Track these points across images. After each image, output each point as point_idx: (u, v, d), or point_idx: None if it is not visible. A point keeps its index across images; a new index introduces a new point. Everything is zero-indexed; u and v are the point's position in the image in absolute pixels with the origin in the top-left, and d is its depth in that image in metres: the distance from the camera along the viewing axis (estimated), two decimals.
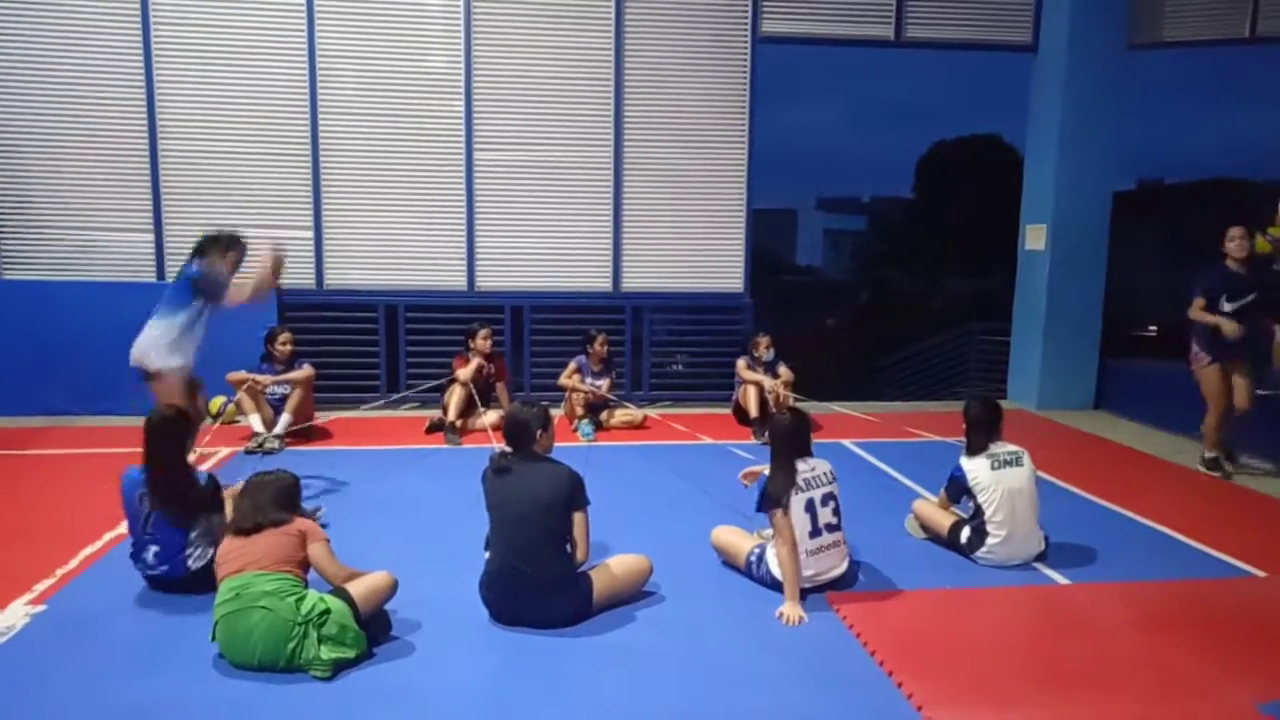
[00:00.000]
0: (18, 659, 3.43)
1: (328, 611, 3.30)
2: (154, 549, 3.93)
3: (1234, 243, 6.20)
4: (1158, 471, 6.72)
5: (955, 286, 26.09)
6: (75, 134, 8.03)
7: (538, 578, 3.70)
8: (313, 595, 3.36)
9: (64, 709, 3.08)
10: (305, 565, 3.48)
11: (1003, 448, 4.56)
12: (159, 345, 5.13)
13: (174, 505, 3.93)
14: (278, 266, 5.47)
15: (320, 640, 3.26)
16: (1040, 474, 4.67)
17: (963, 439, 4.68)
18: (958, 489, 4.60)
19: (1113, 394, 8.98)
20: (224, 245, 5.33)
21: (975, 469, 4.51)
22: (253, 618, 3.24)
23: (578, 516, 3.79)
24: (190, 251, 5.34)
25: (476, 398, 7.36)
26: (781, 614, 3.86)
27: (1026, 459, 4.58)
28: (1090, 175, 8.80)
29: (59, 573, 4.25)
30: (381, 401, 8.20)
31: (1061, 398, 8.89)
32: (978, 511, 4.51)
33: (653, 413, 8.34)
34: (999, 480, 4.46)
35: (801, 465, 4.06)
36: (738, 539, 4.40)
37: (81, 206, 8.11)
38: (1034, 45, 9.05)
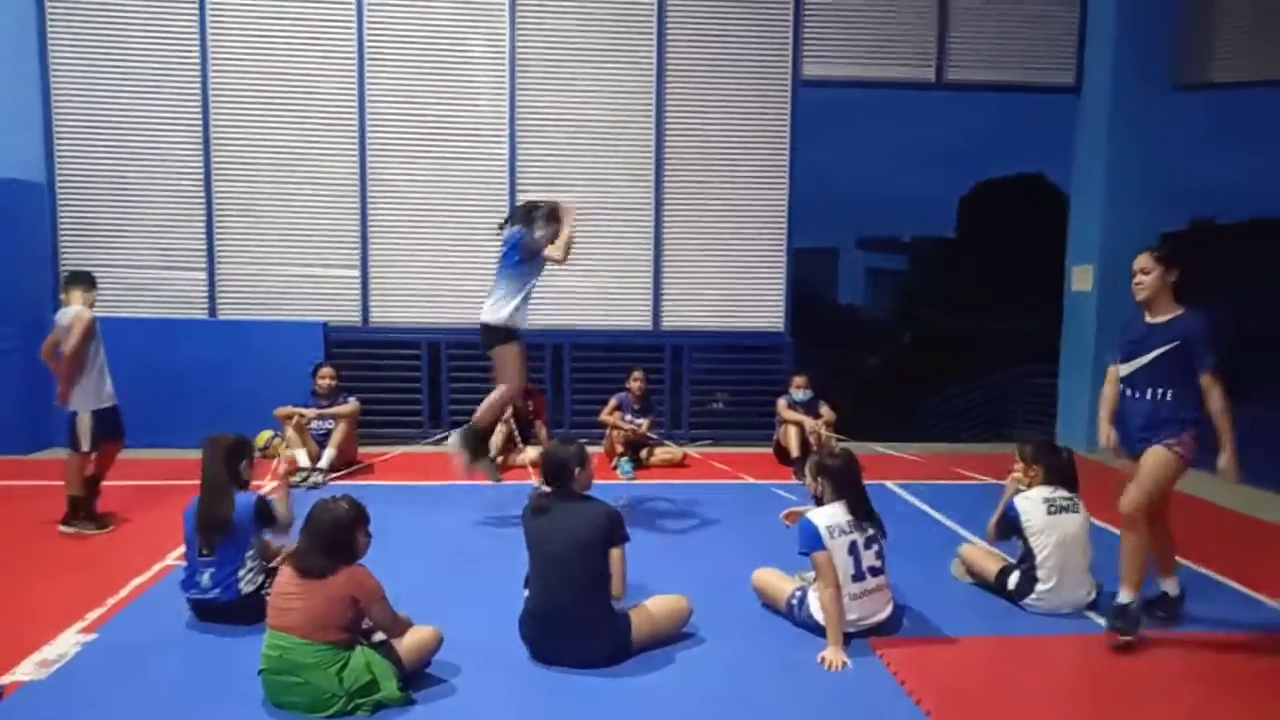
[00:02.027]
0: (70, 687, 3.49)
1: (372, 683, 3.30)
2: (209, 571, 4.02)
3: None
4: (1214, 517, 6.52)
5: (998, 327, 25.73)
6: (136, 178, 8.35)
7: (576, 617, 3.70)
8: (357, 662, 3.33)
9: None
10: (352, 626, 3.42)
11: (1058, 492, 4.47)
12: (499, 303, 5.62)
13: (213, 530, 4.03)
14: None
15: (361, 707, 3.29)
16: (1091, 519, 4.56)
17: (1005, 481, 4.61)
18: (1009, 527, 4.52)
19: None
20: (545, 215, 5.71)
21: (1030, 511, 4.42)
22: (294, 684, 3.27)
23: (614, 553, 3.78)
24: (510, 218, 5.93)
25: (517, 435, 7.42)
26: (824, 659, 3.79)
27: (1082, 506, 4.48)
28: (1137, 215, 8.68)
29: (110, 602, 4.34)
30: (425, 440, 8.29)
31: None
32: (1027, 555, 4.42)
33: (693, 451, 8.31)
34: (1054, 525, 4.37)
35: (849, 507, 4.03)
36: (779, 581, 4.35)
37: (140, 247, 8.40)
38: (1077, 86, 9.02)
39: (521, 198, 8.65)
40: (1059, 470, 4.55)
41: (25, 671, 3.59)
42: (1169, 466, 4.03)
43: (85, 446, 5.50)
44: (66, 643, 3.87)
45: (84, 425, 5.49)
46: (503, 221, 6.00)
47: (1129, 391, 4.14)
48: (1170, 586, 4.35)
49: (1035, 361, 12.23)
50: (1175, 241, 11.34)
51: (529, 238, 5.64)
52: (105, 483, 5.72)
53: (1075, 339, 9.12)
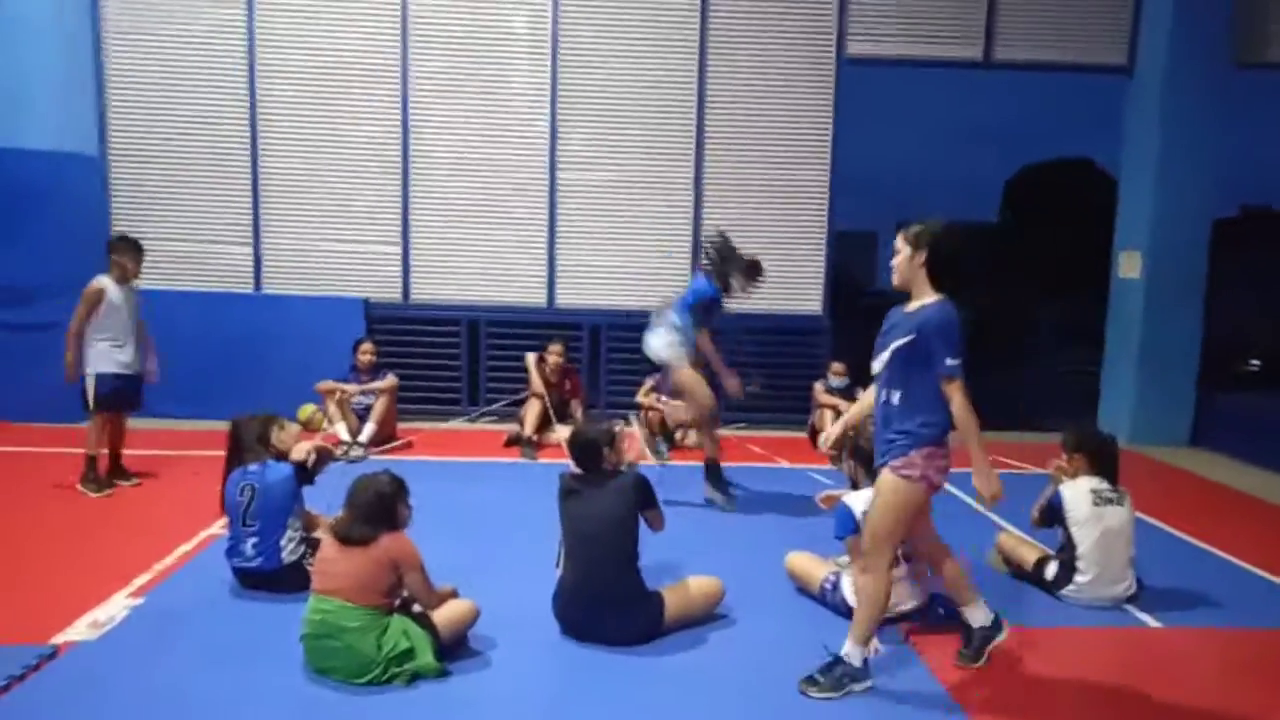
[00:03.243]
0: (119, 648, 3.61)
1: (410, 651, 3.37)
2: (253, 540, 4.13)
3: None
4: (1258, 512, 6.38)
5: (1042, 313, 25.28)
6: (185, 154, 8.47)
7: (609, 595, 3.73)
8: (395, 628, 3.40)
9: (160, 698, 3.23)
10: (392, 590, 3.49)
11: (1105, 484, 4.40)
12: (663, 339, 5.82)
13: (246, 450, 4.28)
14: None
15: (398, 676, 3.36)
16: (1135, 514, 4.49)
17: (1045, 470, 4.55)
18: (1053, 515, 4.46)
19: (1211, 429, 8.56)
20: (742, 269, 5.86)
21: (1075, 500, 4.36)
22: (336, 648, 3.35)
23: (649, 513, 3.84)
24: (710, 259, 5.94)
25: (552, 414, 7.47)
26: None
27: (1128, 499, 4.41)
28: (1189, 201, 8.46)
29: (156, 568, 4.47)
30: (463, 416, 8.38)
31: (1156, 432, 8.53)
32: (1068, 545, 4.36)
33: (728, 433, 8.30)
34: (1098, 517, 4.30)
35: None
36: (812, 565, 4.35)
37: (189, 221, 8.54)
38: (1130, 67, 8.77)
39: (562, 176, 8.69)
40: (1102, 459, 4.47)
41: (78, 632, 3.72)
42: (898, 494, 3.32)
43: (91, 407, 5.75)
44: (116, 606, 4.00)
45: (89, 387, 5.76)
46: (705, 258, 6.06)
47: (878, 393, 3.50)
48: (975, 616, 3.69)
49: (1078, 350, 12.01)
50: (1229, 228, 11.03)
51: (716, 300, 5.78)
52: (156, 452, 5.87)
53: (1120, 327, 8.93)
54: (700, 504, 5.90)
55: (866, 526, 3.46)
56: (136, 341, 5.96)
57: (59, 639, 3.64)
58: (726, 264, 5.82)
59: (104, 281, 5.81)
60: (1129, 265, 8.79)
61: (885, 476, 3.35)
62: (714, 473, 5.91)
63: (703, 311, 5.78)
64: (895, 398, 3.36)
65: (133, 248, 5.98)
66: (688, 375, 5.78)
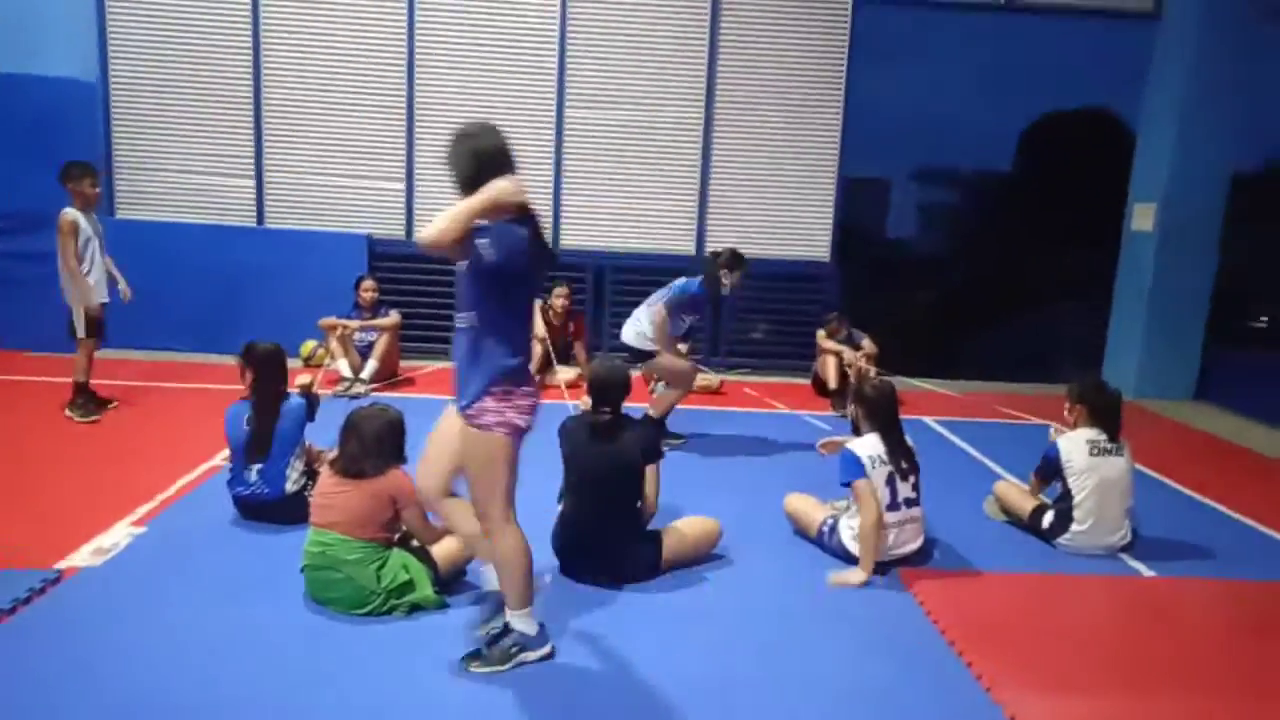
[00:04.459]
0: (123, 575, 3.65)
1: (409, 583, 3.41)
2: (258, 468, 4.17)
3: None
4: (1258, 466, 6.39)
5: (1051, 265, 25.08)
6: (187, 82, 8.32)
7: (609, 533, 3.77)
8: (395, 561, 3.43)
9: (164, 622, 3.28)
10: (390, 525, 3.51)
11: (1103, 435, 4.39)
12: (637, 329, 5.83)
13: (267, 440, 4.17)
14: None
15: (397, 607, 3.40)
16: (1135, 464, 4.49)
17: (1048, 422, 4.53)
18: (1051, 470, 4.46)
19: (1216, 385, 8.54)
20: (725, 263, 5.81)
21: (1072, 451, 4.35)
22: (336, 579, 3.38)
23: (649, 469, 3.83)
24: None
25: (553, 355, 7.46)
26: (838, 579, 3.88)
27: (1127, 450, 4.40)
28: (1208, 154, 8.28)
29: (159, 498, 4.50)
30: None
31: (1160, 385, 8.50)
32: (1065, 495, 4.37)
33: (730, 378, 8.30)
34: (1096, 467, 4.30)
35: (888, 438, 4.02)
36: (810, 508, 4.37)
37: (191, 151, 8.44)
38: (1158, 12, 8.53)
39: (570, 114, 8.53)
40: (1102, 412, 4.45)
41: (82, 559, 3.76)
42: (478, 446, 2.86)
43: (81, 334, 5.84)
44: (119, 533, 4.04)
45: (78, 316, 5.85)
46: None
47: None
48: (514, 618, 3.08)
49: (1087, 302, 11.92)
50: (1249, 184, 10.83)
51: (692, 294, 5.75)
52: (155, 384, 5.91)
53: (1131, 279, 8.84)
54: (700, 448, 5.92)
55: (470, 494, 3.02)
56: (104, 269, 6.04)
57: (63, 564, 3.68)
58: (709, 263, 5.87)
59: (72, 213, 5.80)
60: (1142, 217, 8.67)
61: (464, 430, 2.89)
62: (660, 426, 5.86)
63: (683, 305, 5.79)
64: (468, 323, 2.90)
65: (86, 170, 5.93)
66: (664, 360, 5.80)
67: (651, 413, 5.84)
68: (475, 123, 3.06)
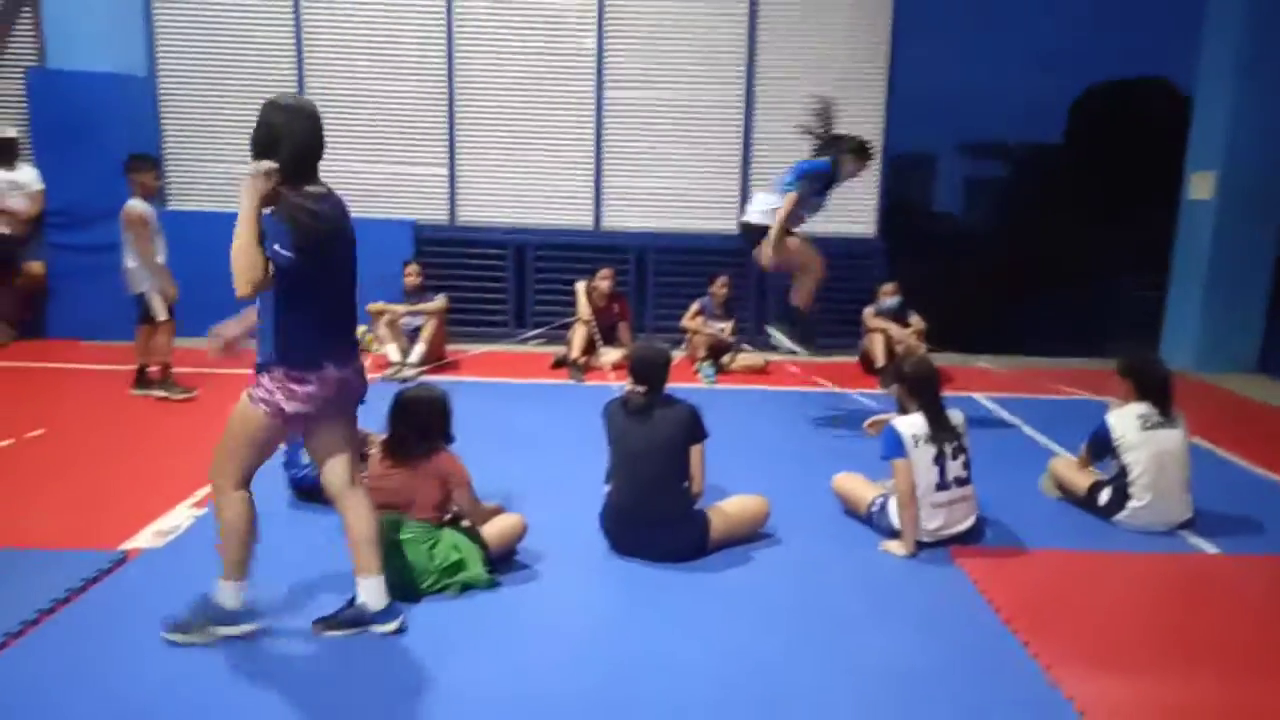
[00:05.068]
0: (184, 556, 3.76)
1: (460, 563, 3.45)
2: None
3: None
4: None
5: (1105, 237, 24.43)
6: (233, 73, 8.48)
7: (657, 512, 3.77)
8: (447, 541, 3.47)
9: None
10: (441, 505, 3.56)
11: (1154, 409, 4.27)
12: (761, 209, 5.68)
13: None
14: None
15: (449, 586, 3.44)
16: (1194, 439, 4.36)
17: (1105, 397, 4.42)
18: (1101, 447, 4.35)
19: None
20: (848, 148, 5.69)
21: (1123, 426, 4.25)
22: (390, 560, 3.40)
23: (695, 449, 3.82)
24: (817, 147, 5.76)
25: (599, 337, 7.48)
26: (887, 545, 3.94)
27: (1181, 421, 4.28)
28: (1268, 117, 7.98)
29: None
30: (510, 339, 8.43)
31: (1221, 358, 8.25)
32: (1121, 472, 4.27)
33: (777, 358, 8.23)
34: (1149, 441, 4.19)
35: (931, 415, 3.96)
36: (861, 487, 4.33)
37: (239, 141, 8.54)
38: None
39: (610, 95, 8.49)
40: (1149, 385, 4.32)
41: (145, 540, 3.87)
42: (242, 411, 3.02)
43: (162, 317, 6.11)
44: (180, 516, 4.15)
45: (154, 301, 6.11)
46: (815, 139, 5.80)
47: None
48: (366, 594, 3.11)
49: (1144, 275, 11.60)
50: None
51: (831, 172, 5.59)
52: (209, 370, 6.02)
53: (1189, 250, 8.58)
54: (747, 428, 5.89)
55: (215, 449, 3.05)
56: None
57: (128, 545, 3.79)
58: (837, 142, 5.64)
59: (141, 205, 5.97)
60: (1200, 186, 8.39)
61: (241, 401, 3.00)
62: (801, 319, 5.88)
63: (812, 182, 5.57)
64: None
65: (148, 162, 6.15)
66: (793, 243, 5.61)
67: (798, 304, 5.86)
68: (285, 95, 3.30)
